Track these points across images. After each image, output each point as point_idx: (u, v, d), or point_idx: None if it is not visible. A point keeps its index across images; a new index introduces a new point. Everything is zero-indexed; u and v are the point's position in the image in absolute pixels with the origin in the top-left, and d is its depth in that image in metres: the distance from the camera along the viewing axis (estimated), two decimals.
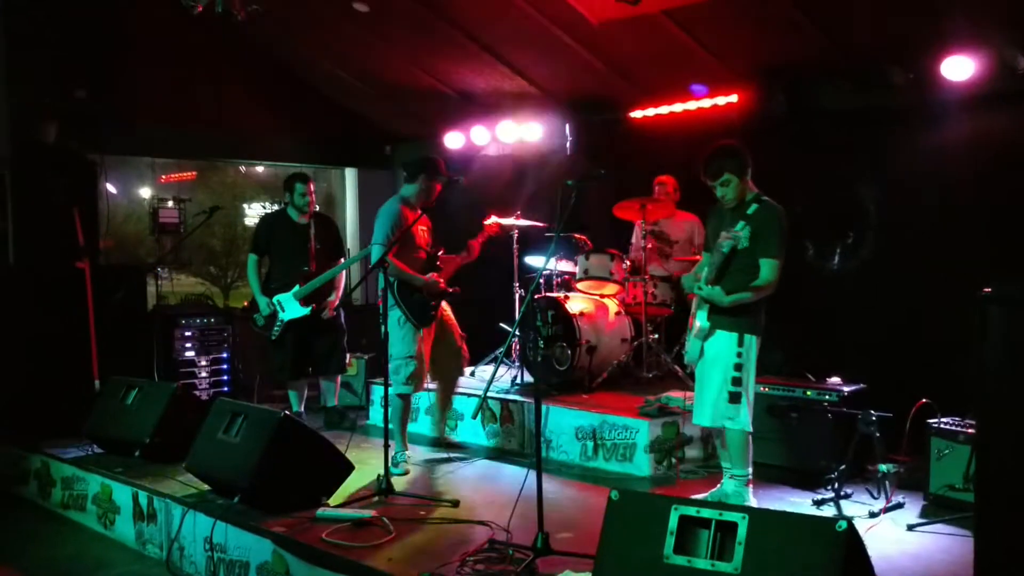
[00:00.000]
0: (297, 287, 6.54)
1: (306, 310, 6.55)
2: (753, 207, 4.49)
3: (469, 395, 6.53)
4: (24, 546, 5.38)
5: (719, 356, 4.54)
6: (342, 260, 6.96)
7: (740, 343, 4.49)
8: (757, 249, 4.43)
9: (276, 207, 7.58)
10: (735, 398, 4.49)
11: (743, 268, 4.48)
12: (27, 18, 7.21)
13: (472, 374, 7.35)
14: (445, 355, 5.94)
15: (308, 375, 6.88)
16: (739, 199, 4.54)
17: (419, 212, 5.67)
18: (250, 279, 6.82)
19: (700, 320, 4.60)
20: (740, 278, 4.48)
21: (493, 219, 6.21)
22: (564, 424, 5.88)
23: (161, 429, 5.70)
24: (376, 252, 5.49)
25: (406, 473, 5.56)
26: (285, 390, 7.88)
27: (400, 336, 5.56)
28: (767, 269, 4.45)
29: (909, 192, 6.04)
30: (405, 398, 5.71)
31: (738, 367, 4.48)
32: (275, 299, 6.62)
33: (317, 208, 6.99)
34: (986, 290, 3.32)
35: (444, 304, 5.90)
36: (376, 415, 7.05)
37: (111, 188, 8.05)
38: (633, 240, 7.34)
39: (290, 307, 6.58)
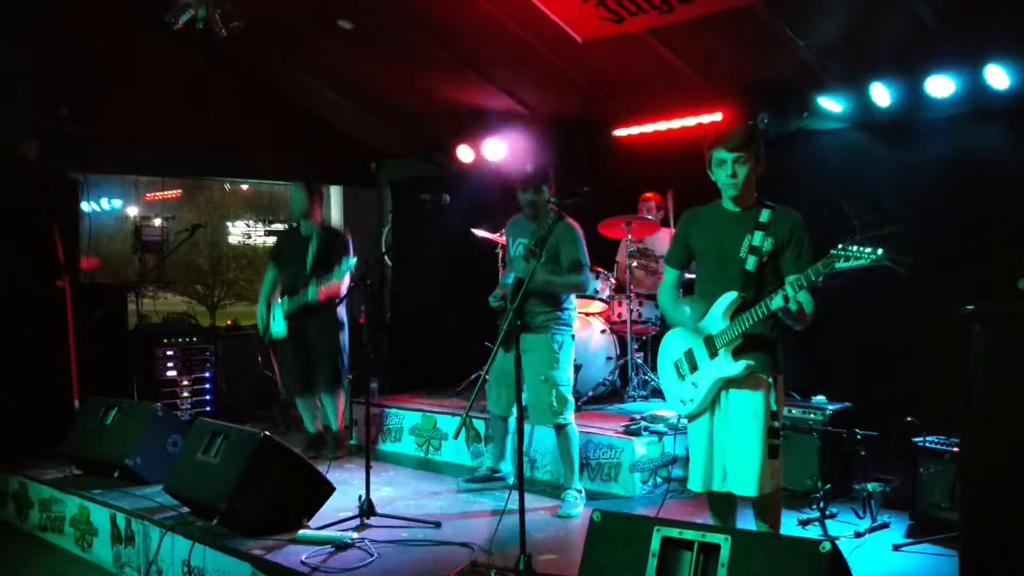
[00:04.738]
0: (286, 301, 6.43)
1: (283, 328, 6.41)
2: (766, 212, 3.71)
3: (452, 415, 6.49)
4: (0, 570, 5.28)
5: (755, 407, 3.67)
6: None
7: (776, 387, 3.70)
8: (785, 265, 3.68)
9: (260, 225, 7.53)
10: (775, 452, 3.66)
11: (770, 288, 3.63)
12: (10, 37, 7.17)
13: (457, 393, 7.31)
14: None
15: (311, 391, 6.65)
16: (741, 195, 3.76)
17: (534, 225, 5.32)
18: (262, 290, 6.77)
19: (725, 362, 3.69)
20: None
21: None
22: (549, 443, 5.83)
23: (140, 450, 5.63)
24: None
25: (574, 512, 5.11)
26: (269, 409, 7.84)
27: None
28: (807, 293, 3.57)
29: (894, 210, 6.04)
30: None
31: (775, 415, 3.67)
32: (274, 309, 6.53)
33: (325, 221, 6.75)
34: (968, 307, 3.31)
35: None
36: (359, 436, 6.98)
37: (94, 206, 8.01)
38: (619, 258, 7.32)
39: (277, 322, 6.48)
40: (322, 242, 6.45)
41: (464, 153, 8.56)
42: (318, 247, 6.42)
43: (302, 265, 6.40)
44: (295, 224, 6.74)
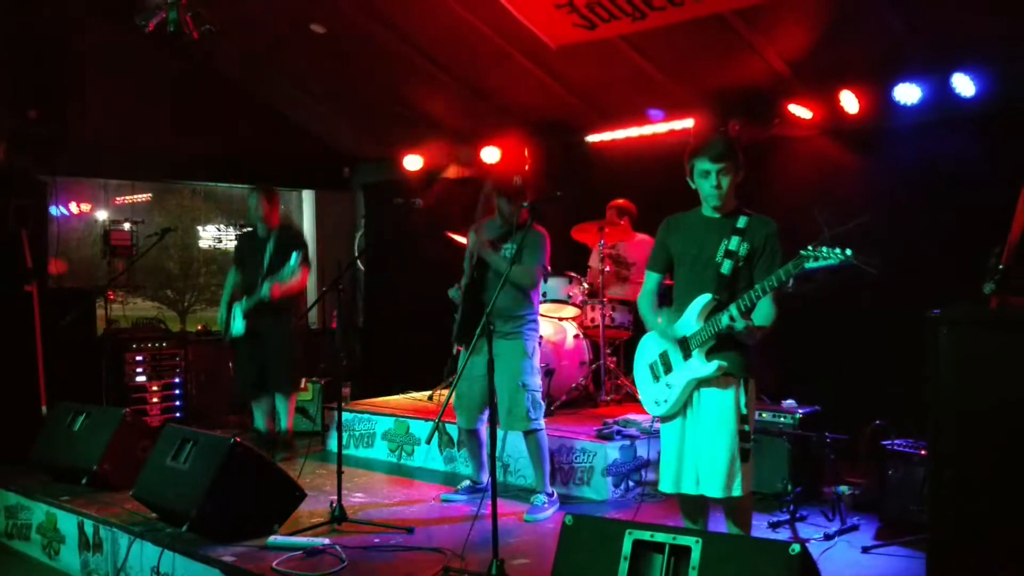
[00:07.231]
0: (244, 301, 6.45)
1: (242, 327, 6.45)
2: (743, 219, 3.77)
3: (425, 420, 6.48)
4: None
5: (724, 408, 3.72)
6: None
7: (746, 389, 3.74)
8: (756, 272, 3.72)
9: (232, 229, 7.50)
10: (746, 455, 3.70)
11: (743, 292, 3.65)
12: None
13: (430, 398, 7.29)
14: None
15: (265, 391, 6.70)
16: (723, 203, 3.81)
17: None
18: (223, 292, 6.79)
19: (698, 363, 3.74)
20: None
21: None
22: (522, 448, 5.82)
23: (109, 456, 5.56)
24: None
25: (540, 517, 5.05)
26: (240, 415, 7.78)
27: None
28: (771, 301, 3.67)
29: (862, 215, 6.10)
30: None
31: (745, 419, 3.70)
32: (235, 309, 6.54)
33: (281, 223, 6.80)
34: (936, 312, 3.35)
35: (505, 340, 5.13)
36: (332, 441, 6.95)
37: (63, 210, 7.92)
38: (591, 263, 7.35)
39: (236, 322, 6.49)
40: (279, 242, 6.54)
41: (438, 158, 8.55)
42: (275, 248, 6.50)
43: (260, 265, 6.48)
44: (253, 227, 6.81)
